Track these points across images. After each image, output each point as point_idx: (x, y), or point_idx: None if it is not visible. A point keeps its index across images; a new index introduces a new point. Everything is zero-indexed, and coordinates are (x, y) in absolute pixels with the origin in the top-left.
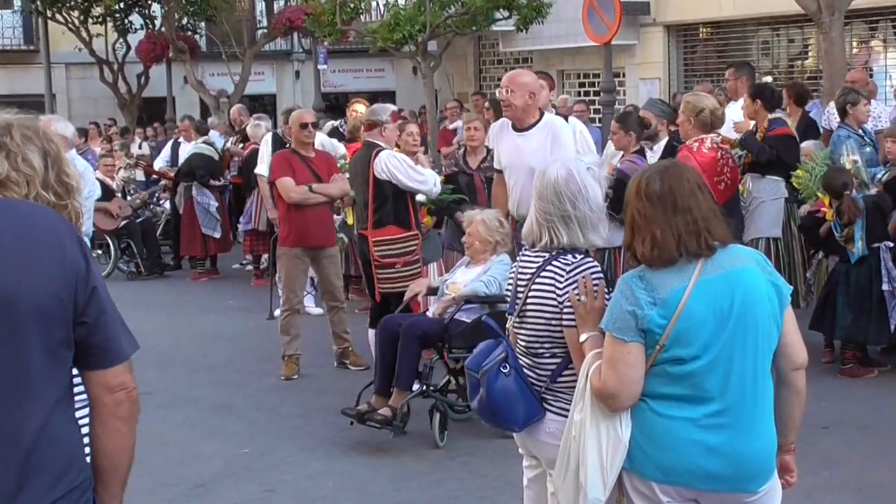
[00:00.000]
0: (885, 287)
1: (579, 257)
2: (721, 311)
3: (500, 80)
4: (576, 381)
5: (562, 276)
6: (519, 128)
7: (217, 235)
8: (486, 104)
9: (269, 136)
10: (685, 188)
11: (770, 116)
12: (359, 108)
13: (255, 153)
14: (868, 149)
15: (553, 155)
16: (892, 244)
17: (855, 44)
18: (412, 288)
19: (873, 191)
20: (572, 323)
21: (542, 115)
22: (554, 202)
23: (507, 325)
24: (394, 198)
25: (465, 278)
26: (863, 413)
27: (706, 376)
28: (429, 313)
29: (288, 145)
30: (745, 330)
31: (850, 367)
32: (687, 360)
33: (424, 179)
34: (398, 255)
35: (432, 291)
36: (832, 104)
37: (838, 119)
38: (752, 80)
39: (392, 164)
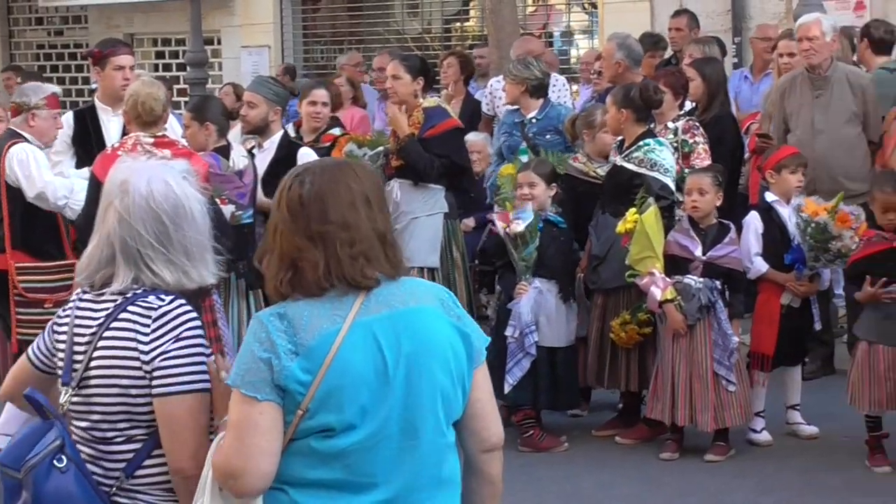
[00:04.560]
0: (507, 332)
1: (167, 299)
2: (384, 365)
3: (40, 47)
4: (164, 471)
5: (146, 326)
6: None
7: None
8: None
9: None
10: (343, 196)
11: (425, 104)
12: None
13: None
14: (503, 137)
15: None
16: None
17: (530, 1)
18: None
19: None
20: (167, 390)
21: None
22: (147, 226)
23: (61, 401)
24: (39, 210)
25: None
26: None
27: (367, 454)
28: None
29: None
30: (418, 392)
31: (530, 436)
32: (339, 430)
33: (44, 186)
34: (51, 289)
35: None
36: (495, 81)
37: (505, 100)
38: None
39: (18, 162)
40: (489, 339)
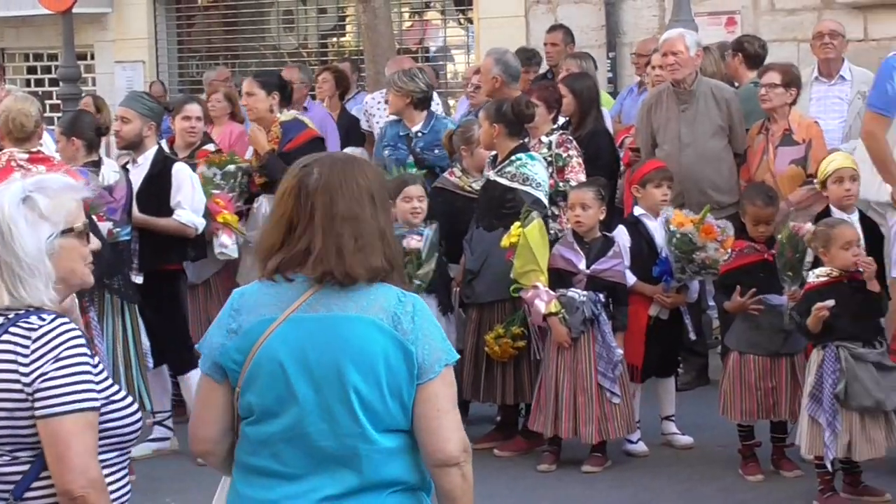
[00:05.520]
0: None
1: (48, 318)
2: (305, 363)
3: None
4: (55, 492)
5: (26, 348)
6: None
7: None
8: None
9: None
10: (352, 190)
11: (281, 118)
12: None
13: None
14: (387, 150)
15: None
16: None
17: (406, 17)
18: None
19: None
20: (48, 412)
21: None
22: None
23: None
24: None
25: None
26: None
27: (288, 446)
28: None
29: None
30: (332, 396)
31: None
32: (260, 414)
33: None
34: None
35: None
36: (370, 97)
37: (388, 115)
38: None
39: None
40: (457, 356)
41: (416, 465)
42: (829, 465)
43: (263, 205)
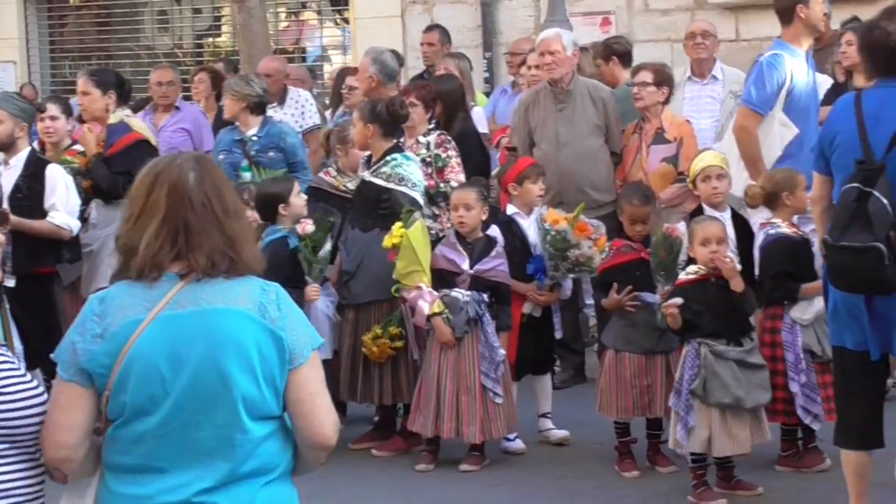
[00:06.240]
0: None
1: None
2: (178, 359)
3: None
4: None
5: None
6: None
7: None
8: None
9: None
10: (228, 184)
11: (110, 120)
12: None
13: None
14: (221, 155)
15: None
16: None
17: (282, 17)
18: None
19: None
20: None
21: None
22: None
23: None
24: None
25: None
26: None
27: (158, 442)
28: None
29: None
30: (206, 389)
31: None
32: (132, 415)
33: None
34: None
35: None
36: None
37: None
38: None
39: None
40: (322, 340)
41: (283, 447)
42: (688, 460)
43: (92, 209)
